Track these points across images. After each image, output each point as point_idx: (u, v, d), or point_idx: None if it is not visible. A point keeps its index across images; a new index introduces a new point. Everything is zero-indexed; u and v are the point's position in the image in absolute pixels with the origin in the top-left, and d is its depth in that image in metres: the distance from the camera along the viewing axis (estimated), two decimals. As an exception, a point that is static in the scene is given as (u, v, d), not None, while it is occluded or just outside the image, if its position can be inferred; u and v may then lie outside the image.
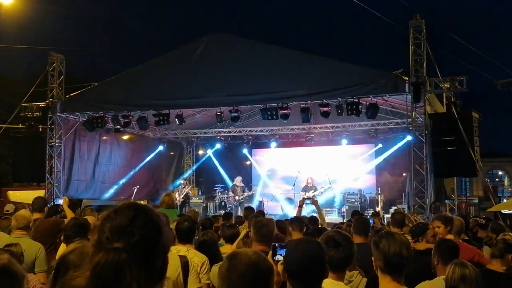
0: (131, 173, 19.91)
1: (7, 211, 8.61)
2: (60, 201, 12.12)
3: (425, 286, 3.97)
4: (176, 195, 18.45)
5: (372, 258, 3.20)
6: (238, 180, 19.42)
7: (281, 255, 2.72)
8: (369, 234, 5.66)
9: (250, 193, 19.80)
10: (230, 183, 21.25)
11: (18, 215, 5.88)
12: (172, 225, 5.36)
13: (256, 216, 7.72)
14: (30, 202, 7.77)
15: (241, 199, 18.90)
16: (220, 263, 2.35)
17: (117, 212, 1.63)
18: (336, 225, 8.63)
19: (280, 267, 2.64)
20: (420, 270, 4.33)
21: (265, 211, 17.55)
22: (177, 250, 4.79)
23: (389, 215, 15.94)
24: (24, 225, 5.77)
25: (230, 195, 19.69)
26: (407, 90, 13.54)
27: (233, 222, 8.34)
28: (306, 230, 6.94)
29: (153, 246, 1.58)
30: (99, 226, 1.62)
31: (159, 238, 1.61)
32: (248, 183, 21.47)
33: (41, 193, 15.79)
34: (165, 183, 22.49)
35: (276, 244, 2.79)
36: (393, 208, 16.92)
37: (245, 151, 22.58)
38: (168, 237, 1.67)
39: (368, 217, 15.66)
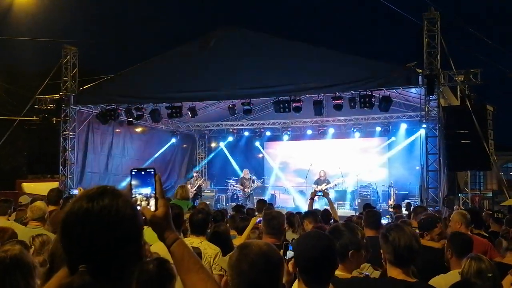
0: (144, 165, 20.05)
1: (20, 202, 8.73)
2: (76, 192, 12.28)
3: (440, 280, 3.94)
4: (189, 187, 18.56)
5: (381, 250, 3.19)
6: (246, 173, 19.44)
7: (292, 250, 2.71)
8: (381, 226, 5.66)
9: (259, 182, 19.77)
10: (242, 176, 21.34)
11: (33, 206, 5.95)
12: (186, 217, 5.42)
13: (266, 208, 7.75)
14: (45, 194, 7.85)
15: (251, 191, 18.92)
16: (231, 253, 2.37)
17: (70, 218, 1.46)
18: (347, 218, 8.63)
19: (290, 266, 2.62)
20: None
21: (277, 204, 17.64)
22: (190, 242, 4.84)
23: (402, 209, 15.90)
24: (40, 216, 5.84)
25: (239, 188, 19.75)
26: (420, 83, 13.48)
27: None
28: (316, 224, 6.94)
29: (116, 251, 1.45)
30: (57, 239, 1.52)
31: (118, 234, 1.45)
32: (261, 175, 21.50)
33: (55, 185, 15.99)
34: (178, 175, 22.61)
35: (288, 243, 2.79)
36: (406, 201, 16.86)
37: (257, 144, 22.60)
38: (133, 219, 1.52)
39: (389, 209, 15.72)
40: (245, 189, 18.96)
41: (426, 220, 5.52)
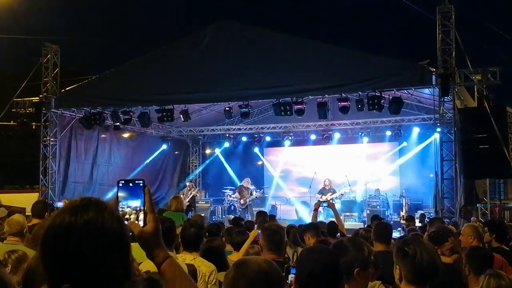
0: (132, 174, 20.02)
1: (-3, 215, 8.68)
2: (61, 204, 12.24)
3: None
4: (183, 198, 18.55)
5: (395, 267, 3.13)
6: (246, 182, 19.35)
7: (294, 274, 2.69)
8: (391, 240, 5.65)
9: (259, 193, 19.73)
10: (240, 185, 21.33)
11: (11, 220, 5.90)
12: (179, 231, 5.40)
13: (267, 221, 7.72)
14: (23, 206, 7.84)
15: (249, 202, 18.84)
16: (227, 271, 2.36)
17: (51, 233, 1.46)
18: (356, 231, 8.61)
19: None
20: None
21: (278, 216, 17.58)
22: (182, 259, 4.83)
23: (415, 221, 15.88)
24: (18, 231, 5.78)
25: (235, 197, 19.70)
26: (434, 82, 13.50)
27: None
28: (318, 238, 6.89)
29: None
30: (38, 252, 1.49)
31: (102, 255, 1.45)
32: (260, 185, 21.49)
33: (35, 196, 15.95)
34: (169, 185, 22.59)
35: (290, 267, 2.77)
36: (419, 212, 16.84)
37: (256, 150, 22.59)
38: (120, 236, 1.53)
39: (401, 221, 15.69)
40: (243, 199, 18.92)
41: (436, 233, 5.51)
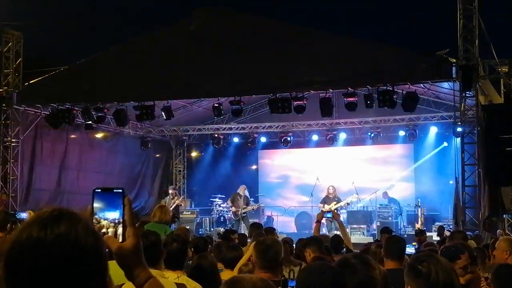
0: (106, 180, 19.96)
1: None
2: (25, 216, 12.21)
3: None
4: (169, 208, 18.48)
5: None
6: (242, 189, 19.28)
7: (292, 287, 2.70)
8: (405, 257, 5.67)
9: (256, 206, 19.72)
10: (230, 193, 21.29)
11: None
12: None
13: (262, 234, 7.71)
14: (-21, 218, 7.81)
15: (243, 213, 18.76)
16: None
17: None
18: (365, 246, 8.63)
19: None
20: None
21: (275, 228, 17.57)
22: (169, 279, 4.83)
23: (432, 234, 15.94)
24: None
25: (226, 206, 19.66)
26: (454, 75, 13.54)
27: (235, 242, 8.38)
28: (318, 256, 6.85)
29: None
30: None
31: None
32: (254, 192, 21.48)
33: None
34: (149, 193, 22.55)
35: (287, 280, 2.77)
36: (437, 224, 16.89)
37: (249, 153, 22.61)
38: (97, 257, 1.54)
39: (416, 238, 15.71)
40: (235, 208, 18.83)
41: (448, 250, 5.48)
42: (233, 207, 18.90)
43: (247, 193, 19.32)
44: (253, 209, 19.37)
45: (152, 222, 8.72)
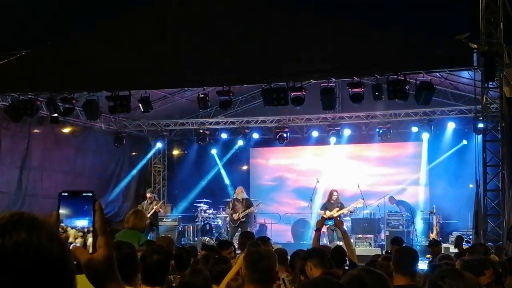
0: (74, 182, 19.92)
1: None
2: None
3: None
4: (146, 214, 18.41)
5: None
6: (239, 192, 18.97)
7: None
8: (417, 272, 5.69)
9: (254, 208, 19.40)
10: (217, 197, 21.29)
11: None
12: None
13: (254, 244, 7.71)
14: None
15: (242, 218, 18.48)
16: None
17: None
18: (372, 259, 8.66)
19: None
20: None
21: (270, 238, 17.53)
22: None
23: (448, 245, 15.98)
24: None
25: (225, 215, 19.54)
26: (475, 63, 13.55)
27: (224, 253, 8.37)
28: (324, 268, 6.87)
29: None
30: None
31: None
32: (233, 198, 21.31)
33: None
34: (123, 196, 22.52)
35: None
36: (454, 234, 16.94)
37: (240, 151, 22.60)
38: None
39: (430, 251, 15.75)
40: (235, 214, 18.51)
41: (471, 263, 5.51)
42: (233, 214, 18.52)
43: (245, 195, 19.01)
44: (251, 212, 18.98)
45: (125, 229, 8.66)
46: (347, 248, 8.39)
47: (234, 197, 18.99)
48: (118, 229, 9.20)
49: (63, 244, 1.56)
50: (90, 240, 1.82)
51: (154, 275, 5.10)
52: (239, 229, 17.73)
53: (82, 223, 1.83)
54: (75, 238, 1.81)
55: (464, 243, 13.98)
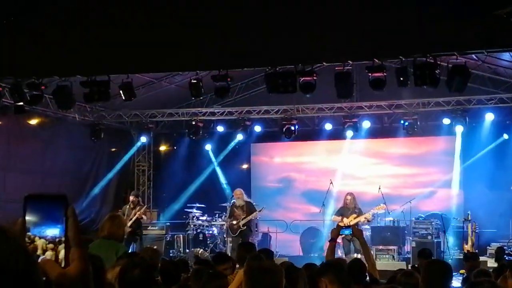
0: (43, 183, 19.94)
1: None
2: None
3: None
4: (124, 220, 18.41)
5: None
6: (239, 196, 18.78)
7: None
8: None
9: (257, 213, 19.24)
10: (213, 201, 21.28)
11: None
12: (112, 273, 5.36)
13: (254, 258, 7.71)
14: None
15: (243, 226, 18.36)
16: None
17: None
18: (394, 274, 8.66)
19: None
20: None
21: (274, 250, 17.58)
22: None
23: (486, 258, 15.98)
24: None
25: (222, 222, 19.55)
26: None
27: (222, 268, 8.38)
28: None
29: None
30: None
31: None
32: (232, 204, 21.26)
33: None
34: (102, 201, 22.54)
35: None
36: (493, 245, 16.95)
37: (239, 146, 22.61)
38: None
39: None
40: (235, 222, 18.39)
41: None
42: (233, 221, 18.34)
43: (246, 198, 18.77)
44: (254, 217, 18.82)
45: (99, 239, 8.61)
46: (367, 262, 8.40)
47: (233, 204, 18.87)
48: (92, 239, 9.14)
49: (31, 256, 1.56)
50: (62, 252, 1.82)
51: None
52: (240, 239, 17.66)
53: (53, 232, 1.82)
54: (44, 250, 1.81)
55: (505, 257, 13.98)
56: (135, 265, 5.28)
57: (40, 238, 1.82)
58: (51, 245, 1.81)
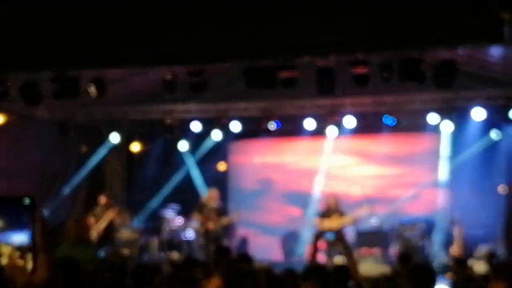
0: (9, 185, 19.85)
1: None
2: None
3: None
4: (92, 223, 18.35)
5: None
6: (212, 195, 18.96)
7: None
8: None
9: (232, 218, 19.33)
10: (189, 203, 21.25)
11: None
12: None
13: (233, 262, 7.73)
14: None
15: (217, 231, 18.43)
16: None
17: None
18: (377, 279, 8.71)
19: None
20: None
21: (252, 254, 17.60)
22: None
23: (475, 260, 16.07)
24: None
25: (191, 226, 19.57)
26: (508, 37, 13.63)
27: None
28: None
29: None
30: None
31: None
32: (223, 203, 21.42)
33: None
34: (71, 203, 22.47)
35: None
36: (480, 249, 17.04)
37: (216, 145, 22.60)
38: None
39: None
40: (208, 225, 18.48)
41: None
42: (203, 224, 18.37)
43: (218, 201, 18.87)
44: (229, 223, 18.95)
45: (66, 244, 8.58)
46: (350, 266, 8.44)
47: (202, 201, 18.90)
48: (61, 242, 9.10)
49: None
50: (29, 258, 1.79)
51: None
52: (212, 244, 17.72)
53: (19, 238, 1.79)
54: (11, 257, 1.78)
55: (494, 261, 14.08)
56: (105, 269, 5.27)
57: (5, 244, 1.79)
58: (18, 253, 1.79)
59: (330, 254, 16.98)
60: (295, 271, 8.01)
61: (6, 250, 1.71)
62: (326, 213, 18.31)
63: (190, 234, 20.13)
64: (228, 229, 20.14)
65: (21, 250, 1.75)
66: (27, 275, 1.72)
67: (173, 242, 20.05)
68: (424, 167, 21.24)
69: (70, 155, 22.49)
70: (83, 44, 15.14)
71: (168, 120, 21.43)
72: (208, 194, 19.05)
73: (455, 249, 17.58)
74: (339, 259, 15.30)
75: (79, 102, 19.67)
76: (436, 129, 20.25)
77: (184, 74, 16.10)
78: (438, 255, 18.29)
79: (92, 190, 23.06)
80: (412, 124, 20.52)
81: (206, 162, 23.28)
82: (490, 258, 14.93)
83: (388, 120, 19.79)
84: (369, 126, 21.17)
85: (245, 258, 10.02)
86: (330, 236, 10.84)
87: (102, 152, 23.69)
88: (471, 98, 19.13)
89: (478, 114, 19.42)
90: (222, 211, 18.68)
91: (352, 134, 21.18)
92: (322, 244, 16.56)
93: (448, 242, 18.55)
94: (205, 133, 22.29)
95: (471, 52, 16.28)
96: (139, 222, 22.10)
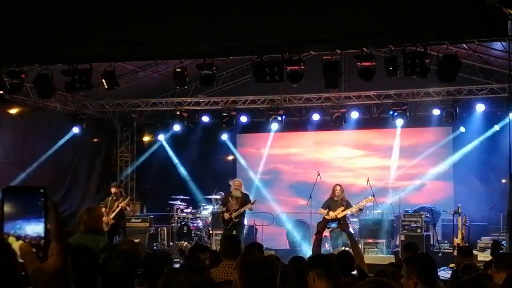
0: (24, 174, 19.88)
1: None
2: None
3: None
4: (103, 212, 18.30)
5: None
6: (236, 187, 18.35)
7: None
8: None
9: (250, 205, 18.94)
10: (197, 193, 21.28)
11: None
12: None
13: (246, 252, 7.72)
14: None
15: (235, 218, 18.00)
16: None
17: None
18: (385, 268, 8.67)
19: None
20: None
21: (260, 243, 17.48)
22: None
23: (476, 252, 16.04)
24: None
25: (207, 214, 19.42)
26: (510, 32, 13.58)
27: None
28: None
29: None
30: None
31: None
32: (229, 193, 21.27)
33: None
34: (83, 192, 22.49)
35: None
36: (484, 239, 17.01)
37: (224, 137, 22.58)
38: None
39: (455, 253, 15.78)
40: (226, 214, 18.05)
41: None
42: (224, 214, 18.06)
43: (244, 190, 18.35)
44: (249, 208, 18.55)
45: (78, 233, 8.57)
46: (355, 255, 8.44)
47: (230, 192, 18.56)
48: (73, 231, 9.10)
49: (10, 251, 1.55)
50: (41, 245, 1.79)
51: (116, 284, 5.06)
52: (234, 231, 17.46)
53: (33, 229, 1.79)
54: (23, 250, 1.77)
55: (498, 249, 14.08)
56: (117, 256, 5.26)
57: (15, 234, 1.79)
58: (34, 241, 1.79)
59: (335, 244, 16.97)
60: (301, 260, 7.98)
61: (16, 244, 1.70)
62: (331, 203, 18.30)
63: (198, 223, 20.13)
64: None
65: (37, 240, 1.74)
66: (37, 262, 1.71)
67: (182, 231, 20.04)
68: (428, 158, 21.18)
69: (81, 146, 22.49)
70: (95, 38, 15.16)
71: (178, 112, 21.42)
72: (234, 184, 18.63)
73: (458, 240, 17.53)
74: (344, 249, 15.28)
75: (91, 94, 19.72)
76: (440, 122, 20.21)
77: (193, 68, 16.10)
78: (442, 245, 18.26)
79: (103, 180, 23.09)
80: (416, 116, 20.48)
81: (214, 153, 23.27)
82: (495, 247, 14.87)
83: (392, 113, 19.76)
84: (374, 119, 21.16)
85: (258, 246, 9.93)
86: (333, 226, 10.79)
87: (113, 143, 23.70)
88: (474, 91, 19.06)
89: (482, 107, 19.39)
90: (246, 199, 18.16)
91: (358, 127, 21.16)
92: (327, 233, 16.56)
93: (451, 232, 18.50)
94: (214, 126, 22.28)
95: (474, 47, 16.23)
96: (148, 211, 22.10)
